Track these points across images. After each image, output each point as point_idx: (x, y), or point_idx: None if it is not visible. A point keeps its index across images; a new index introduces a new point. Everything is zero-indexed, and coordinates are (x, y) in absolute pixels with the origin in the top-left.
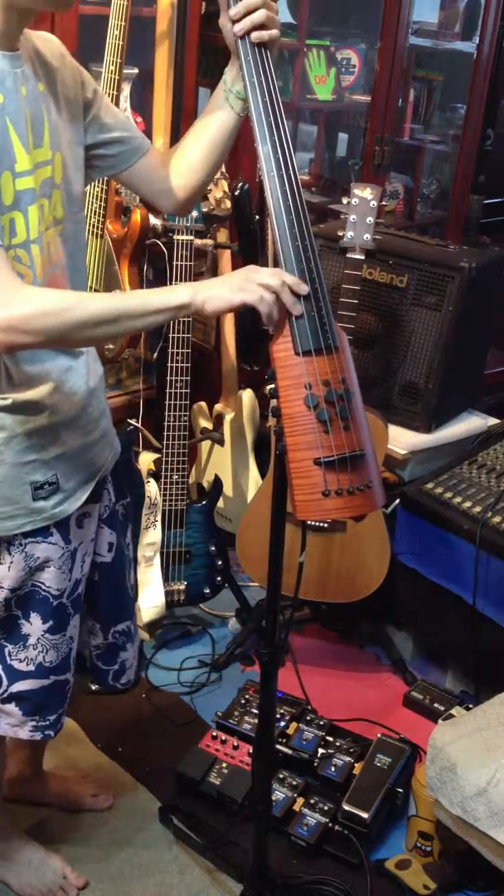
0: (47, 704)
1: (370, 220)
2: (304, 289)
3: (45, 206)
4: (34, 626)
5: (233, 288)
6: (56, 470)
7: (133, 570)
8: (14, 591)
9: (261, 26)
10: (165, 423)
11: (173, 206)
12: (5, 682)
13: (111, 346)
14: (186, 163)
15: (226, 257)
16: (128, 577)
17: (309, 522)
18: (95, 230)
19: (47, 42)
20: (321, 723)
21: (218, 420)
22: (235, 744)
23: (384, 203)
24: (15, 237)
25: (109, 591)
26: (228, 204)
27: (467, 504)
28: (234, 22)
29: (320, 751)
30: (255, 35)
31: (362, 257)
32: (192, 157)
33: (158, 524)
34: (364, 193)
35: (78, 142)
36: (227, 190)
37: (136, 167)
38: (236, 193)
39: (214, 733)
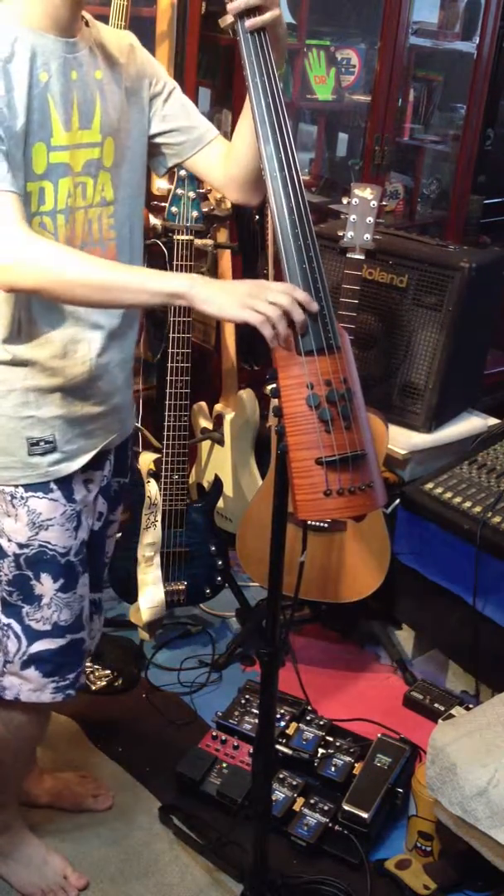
0: (65, 664)
1: (370, 220)
2: (314, 307)
3: (87, 185)
4: (45, 586)
5: (237, 303)
6: (54, 430)
7: (112, 545)
8: (22, 548)
9: (256, 10)
10: (165, 423)
11: (237, 196)
12: (25, 643)
13: None
14: (236, 153)
15: (226, 257)
16: (106, 550)
17: (309, 522)
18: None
19: (118, 37)
20: (321, 723)
21: (218, 420)
22: (235, 744)
23: (384, 203)
24: (44, 205)
25: (94, 559)
26: (228, 204)
27: (467, 504)
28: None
29: (320, 751)
30: (249, 22)
31: (362, 257)
32: (238, 147)
33: (158, 524)
34: (364, 193)
35: (140, 131)
36: None
37: (198, 157)
38: None
39: (214, 733)
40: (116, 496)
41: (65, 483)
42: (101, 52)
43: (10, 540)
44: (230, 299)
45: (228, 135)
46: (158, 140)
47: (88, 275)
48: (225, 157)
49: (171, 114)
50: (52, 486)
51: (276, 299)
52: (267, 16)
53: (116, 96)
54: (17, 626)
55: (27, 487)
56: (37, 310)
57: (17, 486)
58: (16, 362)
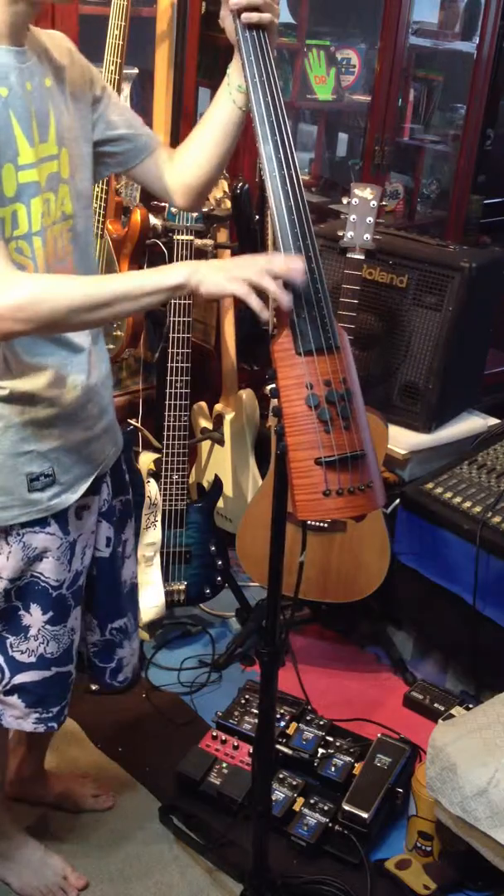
0: (49, 696)
1: (370, 220)
2: (297, 263)
3: (51, 201)
4: (34, 617)
5: (226, 276)
6: (53, 462)
7: (134, 565)
8: (13, 582)
9: (255, 8)
10: (165, 423)
11: (183, 202)
12: (7, 674)
13: (111, 346)
14: (193, 159)
15: (226, 257)
16: (123, 574)
17: (309, 522)
18: (95, 230)
19: (55, 39)
20: (321, 723)
21: (218, 420)
22: (235, 744)
23: (384, 203)
24: (17, 229)
25: (107, 587)
26: (228, 204)
27: (467, 504)
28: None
29: (320, 751)
30: (244, 16)
31: (362, 257)
32: (197, 153)
33: (158, 524)
34: (364, 193)
35: (86, 138)
36: (227, 190)
37: (144, 164)
38: (236, 193)
39: (214, 733)
40: (123, 516)
41: (60, 515)
42: (47, 58)
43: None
44: (220, 275)
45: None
46: (104, 148)
47: (88, 297)
48: (169, 162)
49: (116, 120)
50: (50, 519)
51: (254, 263)
52: (265, 15)
53: (64, 103)
54: (0, 658)
55: (24, 524)
56: (21, 343)
57: (13, 525)
58: (12, 398)
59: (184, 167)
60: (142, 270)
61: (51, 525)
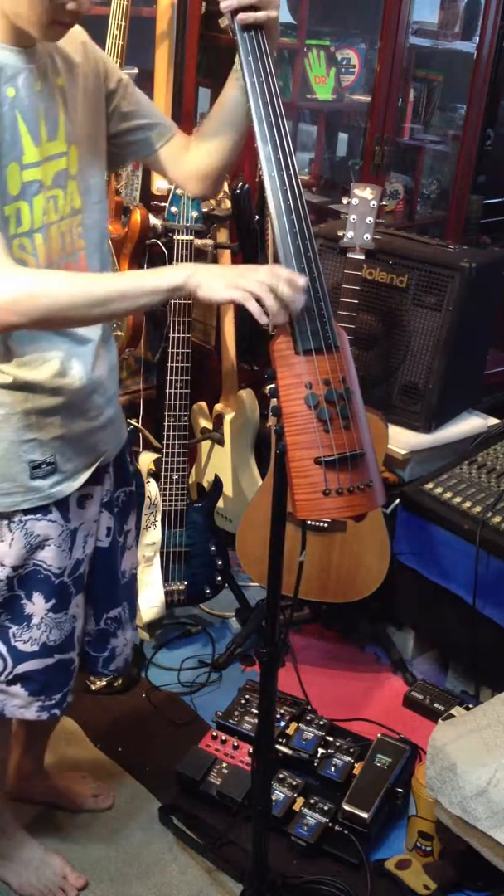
0: (52, 683)
1: (370, 220)
2: (301, 282)
3: (59, 198)
4: (37, 605)
5: (225, 283)
6: (55, 451)
7: (134, 557)
8: (16, 570)
9: (251, 7)
10: (165, 423)
11: (199, 190)
12: (10, 663)
13: None
14: (205, 147)
15: (226, 257)
16: (122, 564)
17: (309, 522)
18: None
19: (69, 35)
20: (321, 723)
21: (218, 420)
22: (235, 744)
23: (384, 203)
24: (20, 226)
25: (104, 577)
26: (228, 204)
27: (467, 504)
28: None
29: (320, 751)
30: (240, 17)
31: (362, 257)
32: (209, 140)
33: (158, 524)
34: (364, 193)
35: (100, 132)
36: (227, 190)
37: (161, 152)
38: (236, 193)
39: (214, 733)
40: (125, 507)
41: (62, 503)
42: (60, 56)
43: (2, 565)
44: (219, 282)
45: None
46: (121, 138)
47: (85, 294)
48: (184, 150)
49: (132, 110)
50: (51, 507)
51: (258, 276)
52: (260, 14)
53: (77, 100)
54: (2, 647)
55: (26, 511)
56: (25, 332)
57: (16, 511)
58: (16, 386)
59: (199, 154)
60: (141, 270)
61: (52, 513)
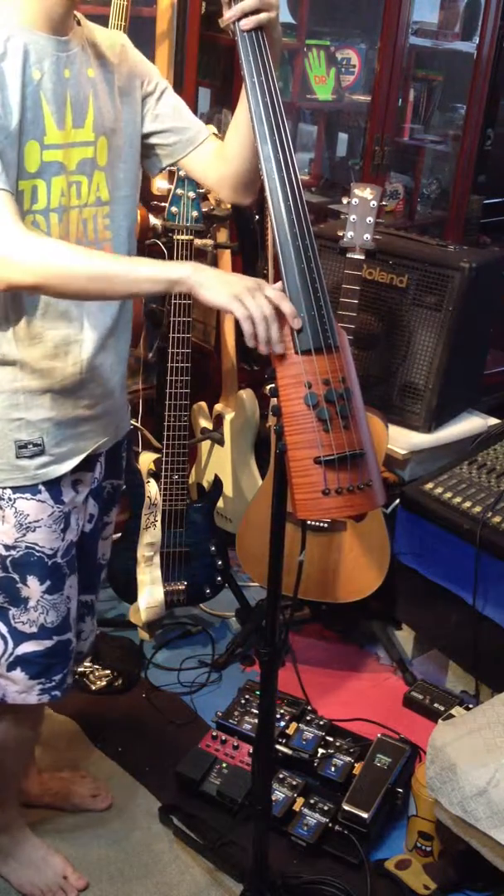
0: (52, 665)
1: (370, 220)
2: (296, 323)
3: (82, 184)
4: (32, 588)
5: (229, 292)
6: (42, 433)
7: (107, 549)
8: (9, 550)
9: (252, 12)
10: (165, 423)
11: (231, 195)
12: (11, 645)
13: None
14: (230, 151)
15: (226, 257)
16: (99, 551)
17: (309, 522)
18: None
19: (110, 37)
20: (321, 723)
21: (218, 420)
22: (235, 744)
23: (384, 203)
24: (36, 203)
25: (83, 562)
26: (228, 204)
27: (467, 504)
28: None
29: (320, 751)
30: (242, 23)
31: (362, 257)
32: (231, 144)
33: (158, 524)
34: (364, 193)
35: (133, 131)
36: None
37: (192, 156)
38: None
39: (214, 733)
40: (110, 498)
41: (53, 484)
42: (94, 51)
43: None
44: (225, 289)
45: None
46: (151, 140)
47: (89, 266)
48: (217, 156)
49: (164, 113)
50: (41, 487)
51: (261, 301)
52: (262, 16)
53: (109, 95)
54: (3, 628)
55: (14, 489)
56: (28, 308)
57: (4, 487)
58: (5, 362)
59: (225, 160)
60: (147, 258)
61: (41, 493)
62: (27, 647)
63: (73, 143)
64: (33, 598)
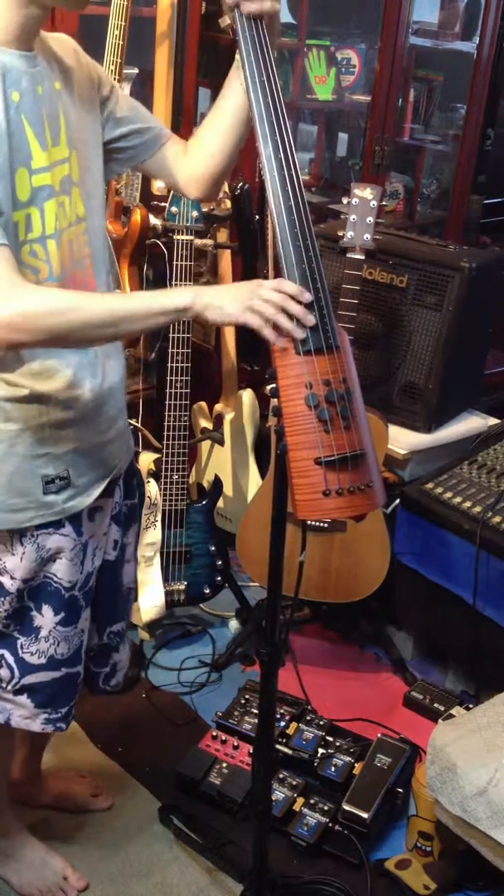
0: (59, 696)
1: (370, 220)
2: (306, 297)
3: (65, 204)
4: (46, 618)
5: (237, 305)
6: (68, 465)
7: (133, 570)
8: (26, 583)
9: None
10: (165, 423)
11: (198, 193)
12: (17, 675)
13: None
14: (205, 149)
15: (226, 257)
16: (124, 578)
17: (309, 522)
18: None
19: (61, 42)
20: (321, 723)
21: (218, 420)
22: (235, 744)
23: (384, 203)
24: (31, 232)
25: (109, 591)
26: (228, 204)
27: (467, 504)
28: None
29: (320, 751)
30: (244, 5)
31: (362, 257)
32: (208, 142)
33: (158, 524)
34: (364, 193)
35: (95, 139)
36: (227, 190)
37: (156, 157)
38: (236, 193)
39: (214, 733)
40: (127, 519)
41: (75, 518)
42: (55, 60)
43: (12, 578)
44: (232, 304)
45: None
46: (116, 144)
47: (92, 315)
48: (186, 154)
49: (125, 116)
50: (64, 521)
51: (269, 297)
52: (266, 4)
53: (73, 106)
54: (9, 658)
55: (38, 526)
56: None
57: (28, 526)
58: (32, 398)
59: (197, 157)
60: (146, 292)
61: (65, 526)
62: (34, 678)
63: (55, 162)
64: (45, 627)
